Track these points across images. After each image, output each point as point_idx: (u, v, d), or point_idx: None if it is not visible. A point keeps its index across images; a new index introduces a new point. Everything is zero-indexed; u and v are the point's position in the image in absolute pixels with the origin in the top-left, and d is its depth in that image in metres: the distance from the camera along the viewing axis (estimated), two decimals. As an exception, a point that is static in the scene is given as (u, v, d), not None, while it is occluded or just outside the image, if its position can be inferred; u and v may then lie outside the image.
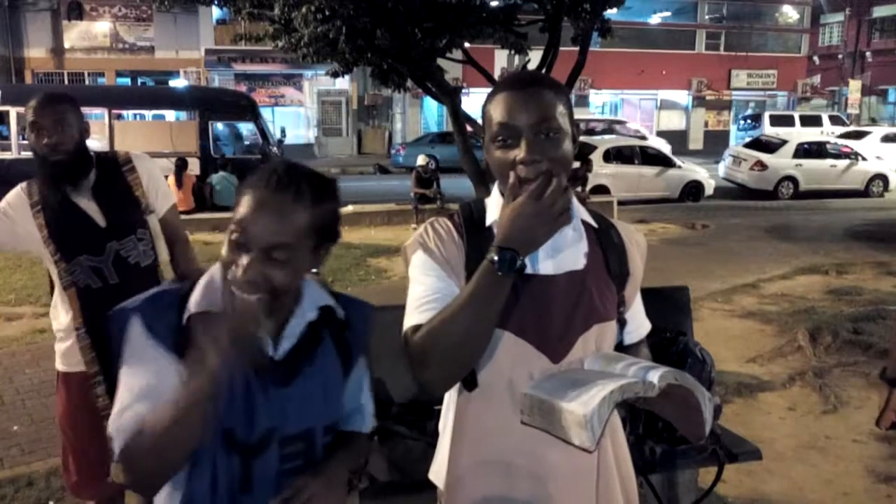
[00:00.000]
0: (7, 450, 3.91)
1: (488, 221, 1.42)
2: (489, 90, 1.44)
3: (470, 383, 1.39)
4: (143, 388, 1.23)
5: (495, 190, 1.45)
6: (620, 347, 1.47)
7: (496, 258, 1.23)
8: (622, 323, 1.46)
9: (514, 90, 1.34)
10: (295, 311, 1.35)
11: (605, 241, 1.44)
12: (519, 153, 1.30)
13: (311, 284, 1.40)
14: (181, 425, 1.16)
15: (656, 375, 1.22)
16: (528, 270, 1.33)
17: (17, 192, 2.51)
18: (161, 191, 2.64)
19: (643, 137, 22.00)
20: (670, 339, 2.46)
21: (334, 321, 1.41)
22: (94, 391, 2.48)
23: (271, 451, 1.32)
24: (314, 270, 1.35)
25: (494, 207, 1.42)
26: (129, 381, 1.25)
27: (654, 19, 30.15)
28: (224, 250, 1.24)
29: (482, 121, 1.42)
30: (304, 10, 8.89)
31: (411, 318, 1.35)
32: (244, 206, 1.23)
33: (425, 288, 1.36)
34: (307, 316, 1.36)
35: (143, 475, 1.23)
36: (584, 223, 1.44)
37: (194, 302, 1.28)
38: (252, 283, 1.19)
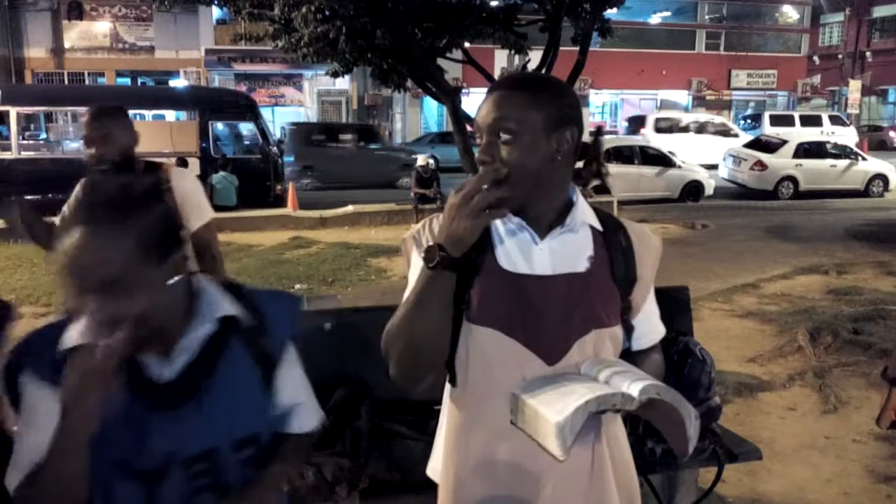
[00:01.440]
0: (7, 450, 3.90)
1: None
2: (489, 90, 1.45)
3: (454, 380, 1.40)
4: (34, 443, 1.20)
5: None
6: (628, 353, 1.43)
7: (423, 255, 1.26)
8: (629, 329, 1.42)
9: (494, 91, 1.37)
10: (186, 327, 1.26)
11: (612, 244, 1.41)
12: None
13: (210, 293, 1.31)
14: (61, 462, 1.15)
15: (637, 389, 1.20)
16: (524, 270, 1.34)
17: (76, 195, 2.63)
18: (195, 209, 2.76)
19: (735, 134, 22.11)
20: (670, 340, 2.47)
21: (242, 329, 1.31)
22: None
23: (175, 474, 1.25)
24: (175, 279, 1.23)
25: None
26: (23, 437, 1.24)
27: (654, 19, 30.14)
28: (66, 299, 1.18)
29: None
30: (304, 10, 8.91)
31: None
32: (63, 251, 1.15)
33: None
34: (202, 330, 1.27)
35: None
36: (590, 226, 1.42)
37: (67, 337, 1.23)
38: (104, 325, 1.15)
